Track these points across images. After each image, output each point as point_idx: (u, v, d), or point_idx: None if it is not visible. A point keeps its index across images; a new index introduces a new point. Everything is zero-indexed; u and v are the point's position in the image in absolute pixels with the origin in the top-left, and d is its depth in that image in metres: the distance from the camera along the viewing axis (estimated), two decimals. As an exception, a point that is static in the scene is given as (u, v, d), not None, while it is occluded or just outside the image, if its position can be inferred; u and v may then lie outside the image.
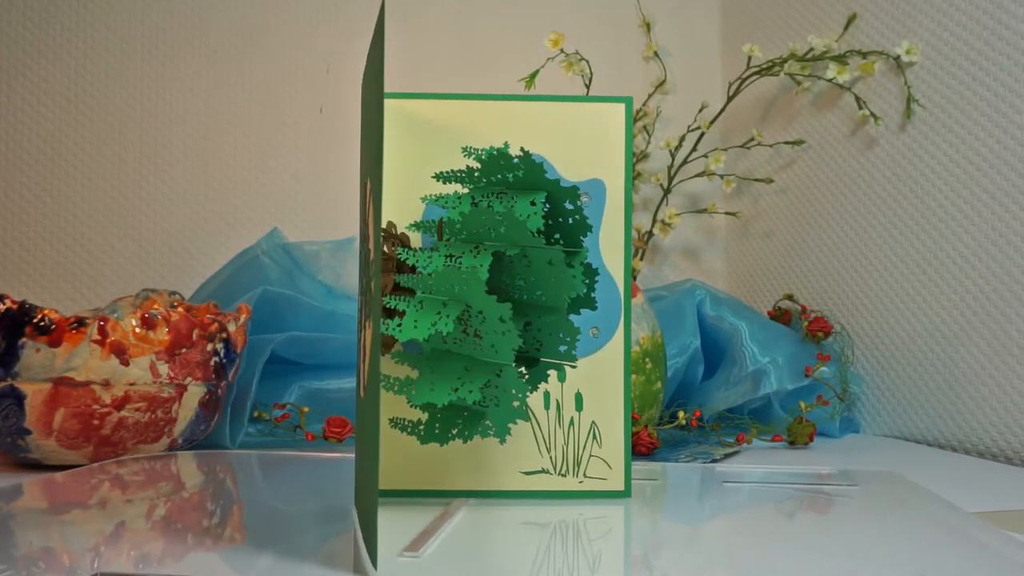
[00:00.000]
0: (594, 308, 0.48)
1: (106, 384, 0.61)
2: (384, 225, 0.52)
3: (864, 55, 0.89)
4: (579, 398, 0.51)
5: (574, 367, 0.49)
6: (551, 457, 0.51)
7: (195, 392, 0.66)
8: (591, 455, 0.50)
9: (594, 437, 0.50)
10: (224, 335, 0.68)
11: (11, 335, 0.59)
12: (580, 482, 0.50)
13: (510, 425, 0.47)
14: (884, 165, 0.87)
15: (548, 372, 0.49)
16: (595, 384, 0.51)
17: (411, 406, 0.46)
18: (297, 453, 0.69)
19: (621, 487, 0.50)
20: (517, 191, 0.46)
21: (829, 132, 0.94)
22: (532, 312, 0.47)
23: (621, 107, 0.52)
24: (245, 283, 0.83)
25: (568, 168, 0.52)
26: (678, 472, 0.62)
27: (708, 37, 1.15)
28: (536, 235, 0.46)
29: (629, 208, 0.51)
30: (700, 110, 1.03)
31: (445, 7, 1.09)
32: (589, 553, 0.40)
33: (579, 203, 0.47)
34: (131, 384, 0.62)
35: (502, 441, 0.46)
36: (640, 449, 0.70)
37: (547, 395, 0.51)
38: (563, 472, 0.50)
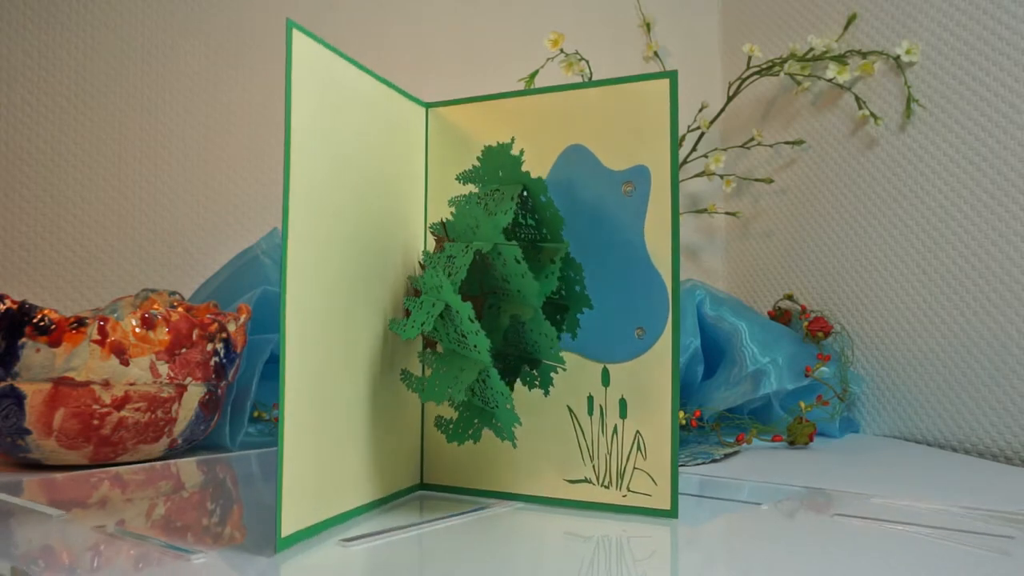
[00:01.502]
0: (591, 307, 0.48)
1: (106, 384, 0.61)
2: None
3: (864, 55, 0.89)
4: (623, 404, 0.47)
5: (564, 369, 0.48)
6: (594, 466, 0.47)
7: (195, 392, 0.66)
8: (635, 467, 0.46)
9: (638, 448, 0.46)
10: (224, 335, 0.68)
11: (11, 335, 0.59)
12: (624, 496, 0.47)
13: (515, 428, 0.48)
14: (884, 165, 0.87)
15: (552, 374, 0.49)
16: (640, 390, 0.46)
17: (450, 406, 0.48)
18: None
19: (667, 506, 0.46)
20: (507, 187, 0.47)
21: (829, 132, 0.94)
22: (522, 311, 0.47)
23: (664, 83, 0.46)
24: (245, 283, 0.83)
25: (611, 156, 0.48)
26: (785, 497, 0.52)
27: (708, 37, 1.15)
28: (506, 231, 0.47)
29: (676, 195, 0.46)
30: (700, 110, 1.03)
31: (444, 7, 1.10)
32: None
33: (548, 196, 0.47)
34: (131, 384, 0.62)
35: (513, 444, 0.47)
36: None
37: (591, 399, 0.48)
38: (606, 483, 0.47)
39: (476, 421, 0.48)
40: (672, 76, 0.46)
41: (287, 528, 0.39)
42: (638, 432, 0.46)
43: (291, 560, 0.38)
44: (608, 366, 0.47)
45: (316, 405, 0.42)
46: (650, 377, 0.46)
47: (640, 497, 0.46)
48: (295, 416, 0.40)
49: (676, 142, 0.46)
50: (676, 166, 0.46)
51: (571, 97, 0.49)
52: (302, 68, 0.40)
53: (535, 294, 0.46)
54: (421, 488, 0.53)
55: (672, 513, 0.45)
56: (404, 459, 0.51)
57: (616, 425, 0.47)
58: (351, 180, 0.45)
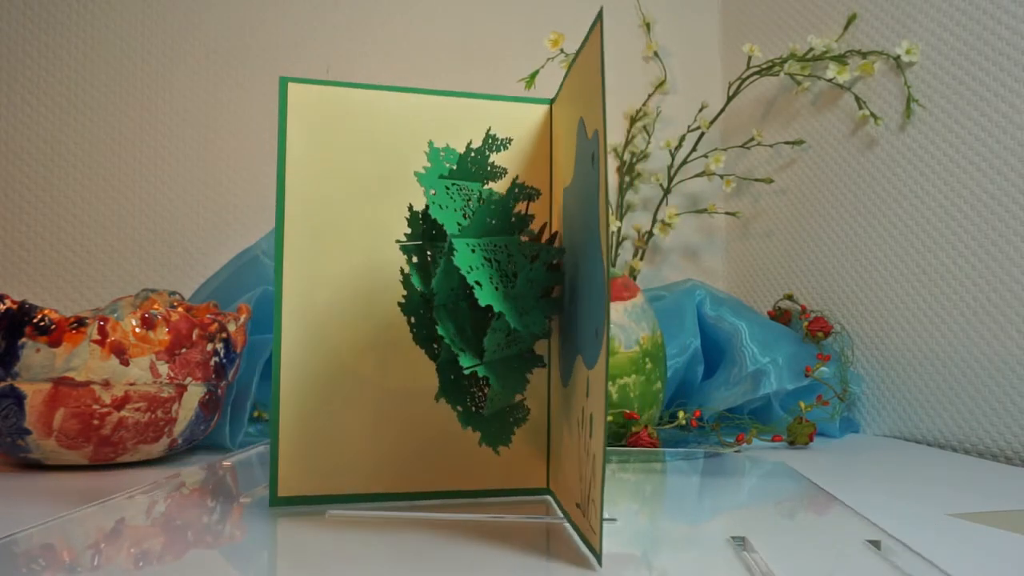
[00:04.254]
0: (481, 303, 0.41)
1: (106, 384, 0.61)
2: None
3: (864, 55, 0.89)
4: (591, 421, 0.38)
5: (478, 369, 0.41)
6: (581, 490, 0.39)
7: (195, 392, 0.66)
8: (591, 498, 0.37)
9: (594, 474, 0.37)
10: (224, 335, 0.68)
11: (11, 335, 0.59)
12: (594, 531, 0.37)
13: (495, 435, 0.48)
14: (884, 165, 0.87)
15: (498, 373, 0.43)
16: (595, 403, 0.37)
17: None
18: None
19: (597, 548, 0.35)
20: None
21: (829, 132, 0.94)
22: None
23: (595, 33, 0.39)
24: (245, 283, 0.83)
25: (589, 124, 0.41)
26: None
27: (708, 37, 1.15)
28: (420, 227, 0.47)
29: (603, 154, 0.37)
30: (700, 110, 1.03)
31: (445, 7, 1.09)
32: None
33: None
34: (131, 384, 0.62)
35: (496, 451, 0.47)
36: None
37: (583, 412, 0.40)
38: (584, 512, 0.39)
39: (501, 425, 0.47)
40: (598, 13, 0.39)
41: (283, 490, 0.46)
42: (594, 456, 0.37)
43: (286, 516, 0.44)
44: (589, 374, 0.39)
45: (318, 383, 0.45)
46: (598, 388, 0.37)
47: (592, 534, 0.37)
48: (291, 391, 0.44)
49: (603, 91, 0.37)
50: (604, 118, 0.37)
51: (576, 71, 0.45)
52: (298, 114, 0.46)
53: (430, 294, 0.43)
54: (547, 493, 0.51)
55: (596, 560, 0.35)
56: (495, 458, 0.50)
57: (587, 445, 0.38)
58: (354, 184, 0.47)
